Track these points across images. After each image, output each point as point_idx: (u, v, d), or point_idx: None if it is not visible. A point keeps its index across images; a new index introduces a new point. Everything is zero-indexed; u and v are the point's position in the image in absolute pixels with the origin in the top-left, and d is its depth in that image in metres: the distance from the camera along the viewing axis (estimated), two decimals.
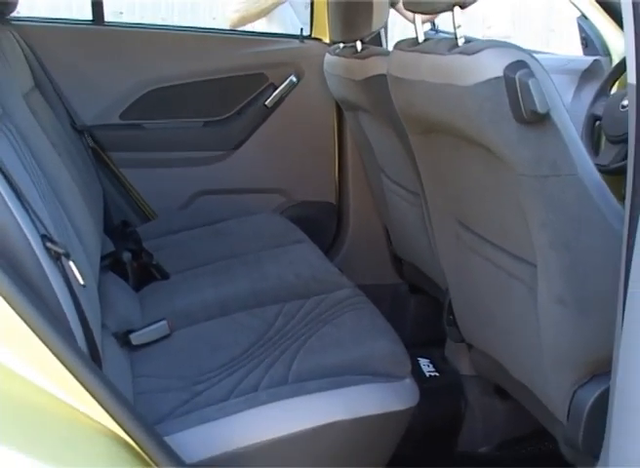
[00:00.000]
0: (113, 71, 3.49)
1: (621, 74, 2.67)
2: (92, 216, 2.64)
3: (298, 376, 2.06)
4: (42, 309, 1.50)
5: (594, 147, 2.69)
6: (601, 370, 1.92)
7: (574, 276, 1.89)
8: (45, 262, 1.64)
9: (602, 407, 1.84)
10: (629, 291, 1.57)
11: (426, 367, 2.95)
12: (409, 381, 2.16)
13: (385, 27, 3.37)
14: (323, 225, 3.71)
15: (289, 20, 4.21)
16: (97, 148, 3.46)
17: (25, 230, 1.61)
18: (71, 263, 1.75)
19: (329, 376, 2.06)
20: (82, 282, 1.79)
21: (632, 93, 1.58)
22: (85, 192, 2.68)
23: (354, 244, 3.73)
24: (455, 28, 1.98)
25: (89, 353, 1.74)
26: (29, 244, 1.61)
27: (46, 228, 1.72)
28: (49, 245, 1.68)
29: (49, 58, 3.34)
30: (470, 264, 2.34)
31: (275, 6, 4.10)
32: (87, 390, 1.51)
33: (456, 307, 2.63)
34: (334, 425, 1.96)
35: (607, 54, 3.11)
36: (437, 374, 2.93)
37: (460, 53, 1.90)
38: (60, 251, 1.71)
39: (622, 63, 2.62)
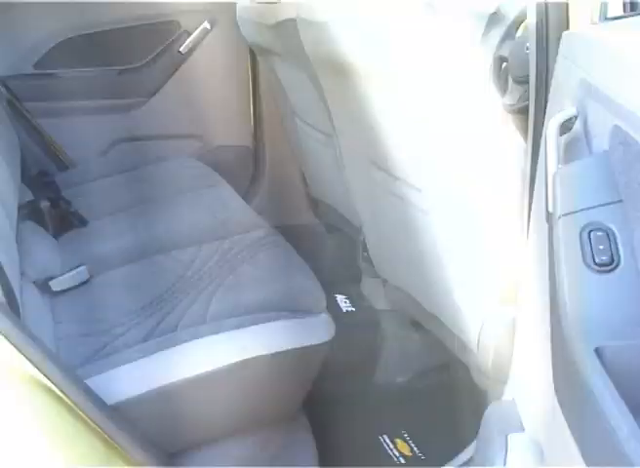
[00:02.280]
0: (25, 21, 3.42)
1: (527, 17, 2.72)
2: (8, 166, 2.62)
3: (216, 315, 2.08)
4: None
5: (502, 88, 2.74)
6: (509, 300, 1.97)
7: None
8: None
9: (509, 335, 1.89)
10: (531, 223, 1.61)
11: (343, 303, 3.00)
12: (324, 316, 2.19)
13: None
14: (240, 169, 3.71)
15: None
16: (11, 99, 3.42)
17: None
18: None
19: (246, 314, 2.08)
20: None
21: (532, 31, 1.63)
22: (0, 143, 2.67)
23: (271, 186, 3.74)
24: None
25: (6, 300, 1.74)
26: None
27: None
28: None
29: None
30: (381, 201, 2.37)
31: None
32: (4, 336, 1.52)
33: (370, 244, 2.67)
34: (252, 361, 1.98)
35: None
36: (353, 310, 2.98)
37: None
38: None
39: None
